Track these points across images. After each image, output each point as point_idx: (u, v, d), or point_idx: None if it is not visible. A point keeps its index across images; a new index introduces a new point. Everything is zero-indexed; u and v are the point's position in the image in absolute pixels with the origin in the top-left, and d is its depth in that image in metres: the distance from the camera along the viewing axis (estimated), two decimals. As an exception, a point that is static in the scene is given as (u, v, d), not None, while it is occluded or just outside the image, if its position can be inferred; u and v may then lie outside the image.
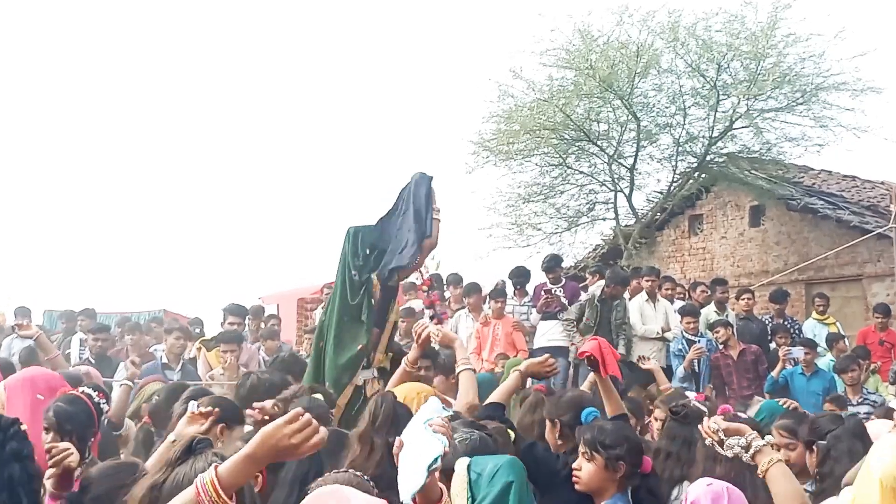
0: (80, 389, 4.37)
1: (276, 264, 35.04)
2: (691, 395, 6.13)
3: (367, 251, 5.76)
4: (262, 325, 11.46)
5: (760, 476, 3.21)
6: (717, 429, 3.34)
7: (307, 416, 2.34)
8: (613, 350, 4.71)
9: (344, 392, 5.45)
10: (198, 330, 11.10)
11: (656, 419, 6.14)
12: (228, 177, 45.13)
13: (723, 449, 3.30)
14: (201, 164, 42.87)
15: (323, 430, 2.37)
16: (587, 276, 11.76)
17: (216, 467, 2.33)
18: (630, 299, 10.67)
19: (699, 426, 3.45)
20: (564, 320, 10.25)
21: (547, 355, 5.13)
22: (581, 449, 3.73)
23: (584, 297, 10.52)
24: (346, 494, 2.29)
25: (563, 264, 12.57)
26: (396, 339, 6.94)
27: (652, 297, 10.72)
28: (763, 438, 3.26)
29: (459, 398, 4.82)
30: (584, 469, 3.67)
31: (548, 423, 4.47)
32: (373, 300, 5.66)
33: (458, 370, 5.05)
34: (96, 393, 4.31)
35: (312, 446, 2.33)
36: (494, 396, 4.59)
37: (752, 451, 3.20)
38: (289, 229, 39.58)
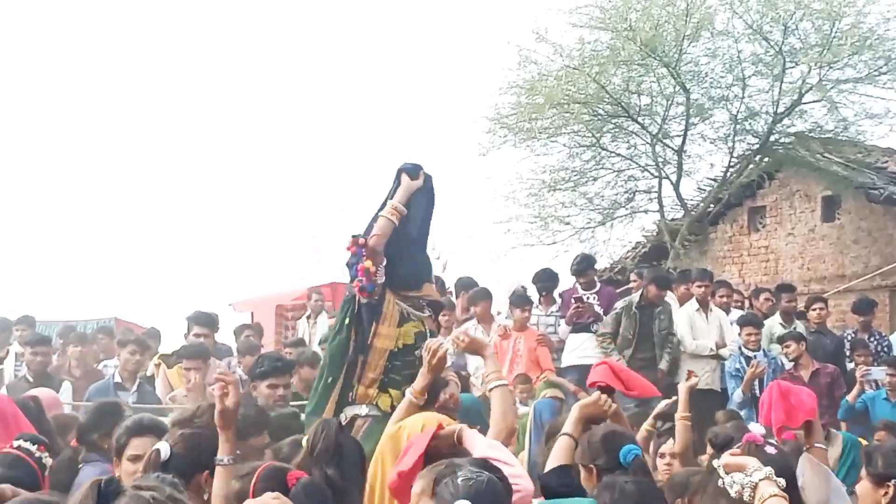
0: (16, 444, 4.30)
1: (249, 265, 35.03)
2: (754, 426, 6.08)
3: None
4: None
5: None
6: (720, 465, 3.42)
7: None
8: (626, 369, 4.65)
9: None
10: (154, 343, 11.09)
11: (661, 455, 6.14)
12: (193, 166, 45.28)
13: (727, 487, 3.36)
14: (161, 152, 42.97)
15: None
16: (630, 278, 11.68)
17: None
18: (677, 308, 10.63)
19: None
20: (599, 334, 10.22)
21: (598, 393, 5.03)
22: None
23: (620, 304, 10.49)
24: None
25: (597, 266, 12.53)
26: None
27: (704, 305, 10.69)
28: (764, 470, 3.32)
29: (494, 422, 4.76)
30: None
31: (581, 469, 4.40)
32: (348, 320, 5.80)
33: (490, 386, 4.96)
34: (36, 446, 4.27)
35: None
36: (557, 458, 4.52)
37: (748, 487, 3.28)
38: (266, 224, 39.59)
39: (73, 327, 13.29)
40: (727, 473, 3.35)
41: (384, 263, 5.90)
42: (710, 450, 5.33)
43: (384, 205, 5.96)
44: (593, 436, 4.53)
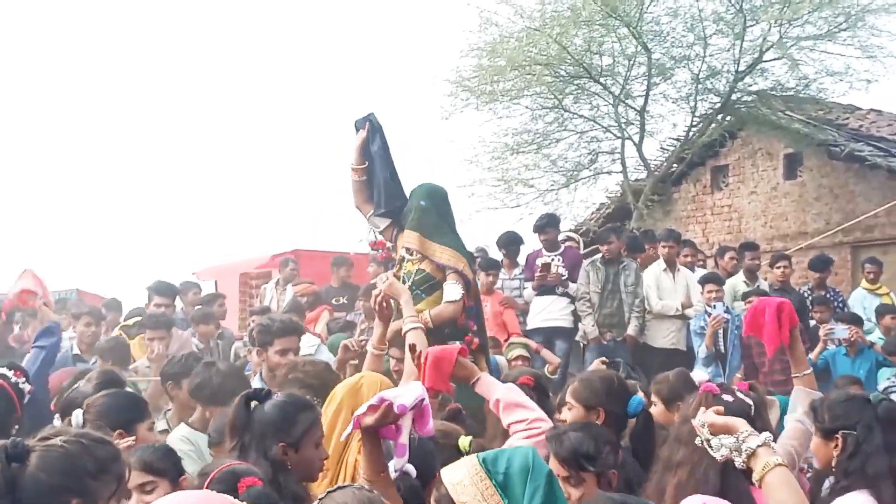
0: None
1: (212, 233, 34.88)
2: (698, 372, 6.04)
3: None
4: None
5: (756, 485, 3.14)
6: (703, 423, 3.28)
7: None
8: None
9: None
10: (114, 314, 10.99)
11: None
12: (156, 135, 44.84)
13: (711, 449, 3.23)
14: (124, 121, 42.55)
15: None
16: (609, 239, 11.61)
17: None
18: (643, 269, 10.66)
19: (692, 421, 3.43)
20: (580, 296, 10.20)
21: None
22: (560, 471, 3.71)
23: (587, 262, 10.50)
24: None
25: (561, 225, 12.51)
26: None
27: (671, 265, 10.71)
28: (761, 436, 3.18)
29: (406, 363, 4.85)
30: (574, 496, 3.69)
31: (581, 409, 4.40)
32: None
33: (405, 329, 5.10)
34: (13, 372, 4.40)
35: None
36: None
37: (744, 454, 3.14)
38: (228, 191, 39.36)
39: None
40: (713, 434, 3.23)
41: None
42: (658, 404, 5.32)
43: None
44: (604, 378, 4.56)
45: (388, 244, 6.64)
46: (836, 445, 3.85)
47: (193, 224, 37.07)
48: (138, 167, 42.29)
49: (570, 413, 4.41)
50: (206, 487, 3.30)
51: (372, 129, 6.44)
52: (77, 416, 4.00)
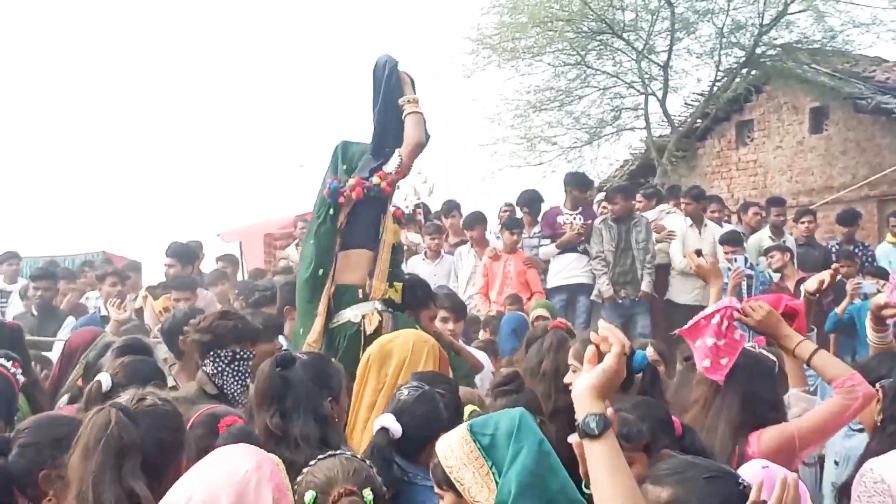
0: None
1: (237, 194, 34.96)
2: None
3: (343, 166, 5.71)
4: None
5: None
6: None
7: None
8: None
9: (313, 328, 5.39)
10: (135, 275, 11.09)
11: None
12: (180, 97, 44.91)
13: None
14: (147, 85, 42.62)
15: None
16: (640, 199, 11.55)
17: None
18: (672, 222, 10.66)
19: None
20: (594, 256, 10.18)
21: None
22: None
23: (597, 221, 10.47)
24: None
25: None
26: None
27: (697, 221, 10.66)
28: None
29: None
30: None
31: (585, 365, 4.33)
32: (333, 210, 5.57)
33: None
34: (11, 363, 4.36)
35: None
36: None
37: None
38: (252, 152, 39.43)
39: (57, 263, 13.28)
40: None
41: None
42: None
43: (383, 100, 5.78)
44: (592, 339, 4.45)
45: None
46: (878, 399, 3.89)
47: (218, 185, 37.14)
48: (164, 130, 42.39)
49: (574, 375, 4.23)
50: (189, 429, 3.34)
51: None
52: (105, 378, 4.03)
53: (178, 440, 2.83)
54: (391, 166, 5.60)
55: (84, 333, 6.55)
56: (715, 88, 17.25)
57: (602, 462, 2.40)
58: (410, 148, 5.60)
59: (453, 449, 2.74)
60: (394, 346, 4.44)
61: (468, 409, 3.86)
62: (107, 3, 44.84)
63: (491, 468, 2.68)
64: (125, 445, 2.64)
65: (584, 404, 2.50)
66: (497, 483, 2.62)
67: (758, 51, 16.64)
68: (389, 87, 5.73)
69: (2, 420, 4.06)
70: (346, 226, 5.59)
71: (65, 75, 43.12)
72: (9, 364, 4.34)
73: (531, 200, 11.11)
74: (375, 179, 5.55)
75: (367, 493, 2.81)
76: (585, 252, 10.41)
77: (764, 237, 11.05)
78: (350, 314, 5.45)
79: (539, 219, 10.95)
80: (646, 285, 10.04)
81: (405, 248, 11.34)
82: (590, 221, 10.48)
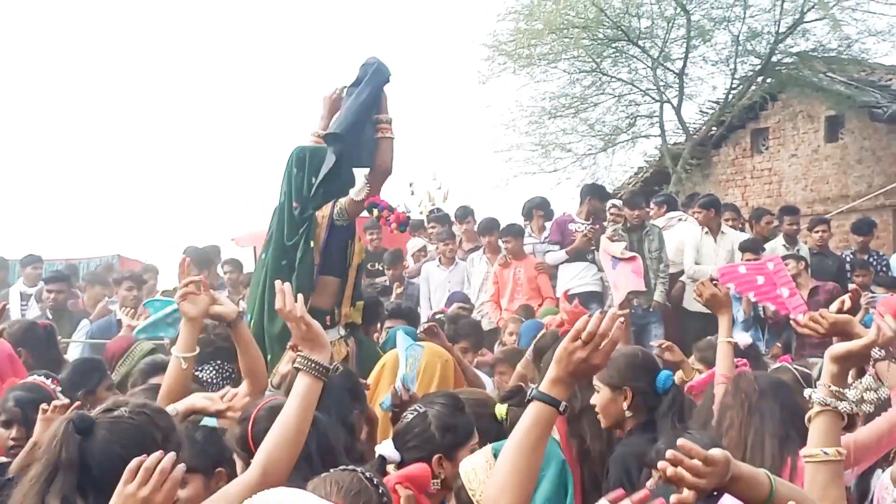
0: (32, 378, 4.55)
1: (248, 203, 35.03)
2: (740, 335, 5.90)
3: (314, 179, 5.65)
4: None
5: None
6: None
7: (147, 466, 2.42)
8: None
9: (284, 358, 5.15)
10: (152, 278, 11.16)
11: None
12: (194, 99, 45.06)
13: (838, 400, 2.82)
14: (163, 87, 42.75)
15: (175, 476, 2.44)
16: (651, 206, 11.56)
17: None
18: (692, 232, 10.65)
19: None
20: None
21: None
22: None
23: (609, 230, 10.45)
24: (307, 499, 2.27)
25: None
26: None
27: (712, 229, 10.59)
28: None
29: None
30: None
31: (607, 390, 4.23)
32: (312, 242, 5.56)
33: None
34: (50, 380, 4.47)
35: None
36: None
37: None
38: (266, 155, 39.51)
39: (75, 266, 13.37)
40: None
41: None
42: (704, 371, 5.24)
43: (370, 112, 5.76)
44: (627, 356, 4.36)
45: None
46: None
47: (232, 190, 37.26)
48: (180, 134, 42.57)
49: (598, 396, 4.22)
50: (252, 423, 3.41)
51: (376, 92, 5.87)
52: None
53: (135, 455, 2.61)
54: (360, 193, 5.54)
55: (120, 342, 6.64)
56: (730, 96, 17.23)
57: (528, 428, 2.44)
58: (380, 176, 5.59)
59: (477, 472, 2.77)
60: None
61: (500, 408, 3.88)
62: (118, 8, 45.05)
63: None
64: (62, 461, 2.58)
65: (546, 380, 2.49)
66: None
67: (774, 59, 16.61)
68: (373, 97, 5.69)
69: None
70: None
71: (83, 81, 43.35)
72: (48, 382, 4.44)
73: (541, 205, 11.12)
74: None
75: None
76: (593, 261, 10.39)
77: (778, 246, 11.02)
78: None
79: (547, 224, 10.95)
80: (658, 295, 10.01)
81: (413, 253, 11.43)
82: (597, 226, 10.45)
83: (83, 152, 40.69)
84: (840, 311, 4.96)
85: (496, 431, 3.65)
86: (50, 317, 9.42)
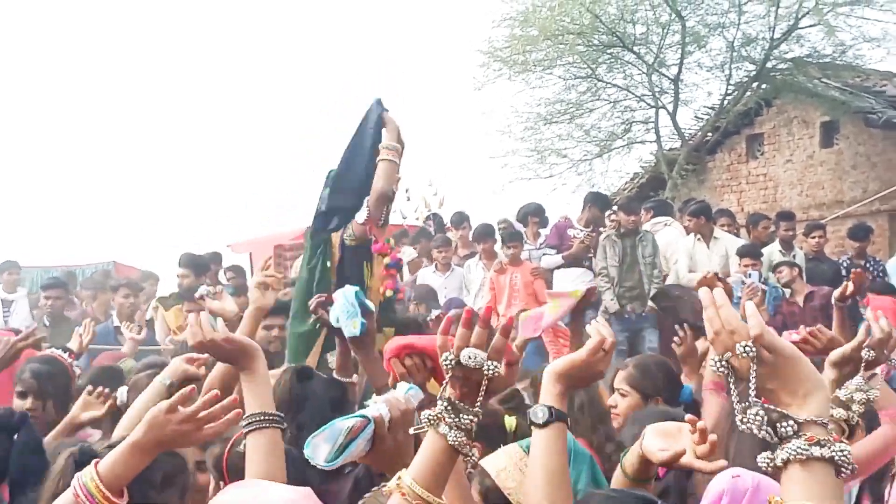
0: (48, 350, 4.73)
1: (247, 205, 35.03)
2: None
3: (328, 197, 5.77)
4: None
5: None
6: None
7: (208, 397, 2.38)
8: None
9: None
10: (151, 285, 11.15)
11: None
12: (188, 108, 45.05)
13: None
14: (156, 95, 42.76)
15: (229, 412, 2.39)
16: (641, 212, 11.59)
17: (96, 464, 2.41)
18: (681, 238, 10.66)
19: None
20: (599, 270, 10.19)
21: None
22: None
23: (602, 237, 10.47)
24: (263, 486, 2.25)
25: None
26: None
27: (705, 235, 10.60)
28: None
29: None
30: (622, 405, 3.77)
31: (637, 396, 4.26)
32: (329, 263, 5.65)
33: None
34: (67, 354, 4.67)
35: (213, 431, 2.37)
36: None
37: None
38: (262, 163, 39.50)
39: (73, 273, 13.36)
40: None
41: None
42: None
43: (363, 142, 5.81)
44: (658, 365, 4.42)
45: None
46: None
47: (228, 196, 37.26)
48: (174, 140, 42.52)
49: (625, 401, 4.25)
50: (229, 447, 3.34)
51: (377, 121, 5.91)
52: (122, 393, 4.12)
53: (139, 497, 2.61)
54: (360, 216, 5.62)
55: (107, 357, 6.68)
56: (725, 102, 17.27)
57: (542, 449, 2.40)
58: (375, 198, 5.60)
59: (510, 471, 2.76)
60: None
61: (510, 420, 3.86)
62: (122, 14, 45.09)
63: None
64: None
65: (543, 391, 2.47)
66: None
67: (768, 65, 16.65)
68: (367, 126, 5.76)
69: (58, 404, 4.27)
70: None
71: (80, 86, 43.35)
72: (65, 355, 4.62)
73: (534, 212, 11.15)
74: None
75: None
76: (589, 267, 10.42)
77: (774, 251, 11.02)
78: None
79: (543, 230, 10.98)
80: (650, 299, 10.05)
81: (407, 261, 11.44)
82: (594, 234, 10.47)
83: (78, 158, 40.69)
84: (843, 295, 5.01)
85: (501, 441, 3.63)
86: (48, 323, 9.43)
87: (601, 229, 10.50)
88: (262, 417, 2.70)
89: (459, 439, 2.05)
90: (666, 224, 11.14)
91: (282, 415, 2.81)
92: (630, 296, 9.99)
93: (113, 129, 42.22)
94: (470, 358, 2.04)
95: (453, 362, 2.06)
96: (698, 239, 10.62)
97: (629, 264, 10.04)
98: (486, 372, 2.06)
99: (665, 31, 16.63)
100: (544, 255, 10.62)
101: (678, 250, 10.52)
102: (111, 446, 2.69)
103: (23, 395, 4.30)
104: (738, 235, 11.73)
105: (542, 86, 17.31)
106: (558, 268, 10.45)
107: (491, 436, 3.59)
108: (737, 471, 2.85)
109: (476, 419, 2.08)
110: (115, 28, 45.40)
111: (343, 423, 2.24)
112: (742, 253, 10.30)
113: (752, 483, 2.67)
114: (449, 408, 2.06)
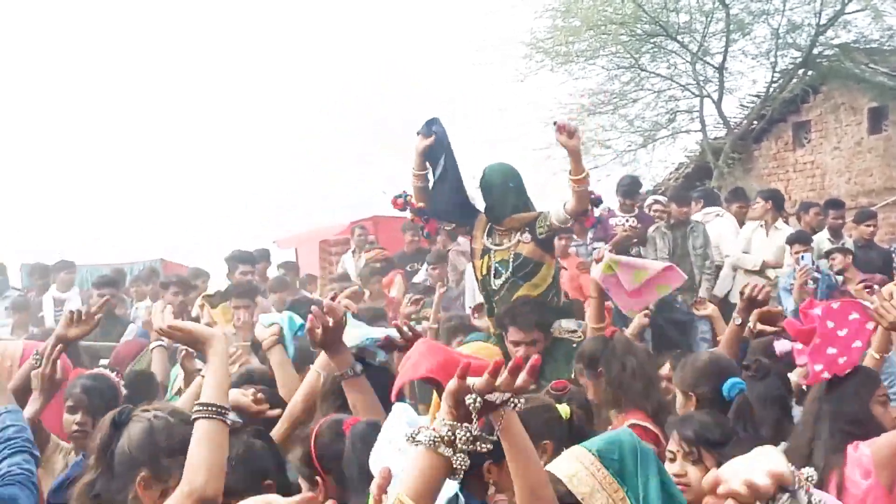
0: (97, 368, 4.88)
1: (292, 201, 35.14)
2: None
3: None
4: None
5: None
6: None
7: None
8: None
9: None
10: (202, 282, 11.20)
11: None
12: (233, 105, 45.24)
13: None
14: (202, 93, 43.04)
15: None
16: (692, 202, 11.49)
17: None
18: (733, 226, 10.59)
19: None
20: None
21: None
22: (680, 449, 3.61)
23: (651, 228, 10.41)
24: None
25: (641, 190, 12.43)
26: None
27: (767, 223, 10.54)
28: None
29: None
30: (693, 475, 3.57)
31: (680, 395, 4.31)
32: None
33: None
34: (115, 373, 4.77)
35: None
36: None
37: None
38: (262, 163, 39.62)
39: (122, 270, 13.48)
40: None
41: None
42: None
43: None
44: (696, 361, 4.44)
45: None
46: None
47: (274, 192, 37.36)
48: (218, 138, 42.75)
49: (683, 400, 4.29)
50: (314, 439, 3.40)
51: (438, 137, 6.43)
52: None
53: (147, 459, 2.87)
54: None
55: (131, 345, 6.71)
56: (771, 90, 17.12)
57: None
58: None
59: (581, 476, 2.75)
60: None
61: (564, 408, 3.84)
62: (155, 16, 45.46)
63: (627, 493, 2.72)
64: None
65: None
66: None
67: (814, 51, 16.49)
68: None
69: None
70: None
71: (122, 87, 43.75)
72: (113, 374, 4.73)
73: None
74: None
75: None
76: (639, 255, 10.36)
77: (822, 239, 10.91)
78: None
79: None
80: (704, 291, 9.95)
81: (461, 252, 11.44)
82: (640, 226, 10.40)
83: (126, 157, 41.05)
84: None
85: (563, 432, 3.63)
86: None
87: (640, 226, 10.41)
88: (209, 408, 2.83)
89: (466, 464, 2.13)
90: (717, 215, 11.05)
91: (227, 407, 2.91)
92: (680, 287, 9.91)
93: (155, 126, 42.49)
94: (497, 398, 2.12)
95: (480, 402, 2.11)
96: (761, 225, 10.56)
97: (680, 256, 9.95)
98: (510, 408, 2.17)
99: (709, 19, 16.55)
100: (594, 249, 10.58)
101: (730, 234, 10.47)
102: (145, 410, 2.95)
103: (73, 410, 4.42)
104: (787, 223, 11.62)
105: (585, 76, 17.34)
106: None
107: (553, 430, 3.58)
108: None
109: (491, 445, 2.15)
110: (124, 31, 45.58)
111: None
112: (792, 240, 10.20)
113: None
114: (469, 437, 2.12)
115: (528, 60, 16.78)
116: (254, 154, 39.75)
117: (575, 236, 10.75)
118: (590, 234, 10.79)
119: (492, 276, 6.35)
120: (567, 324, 6.08)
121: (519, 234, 6.36)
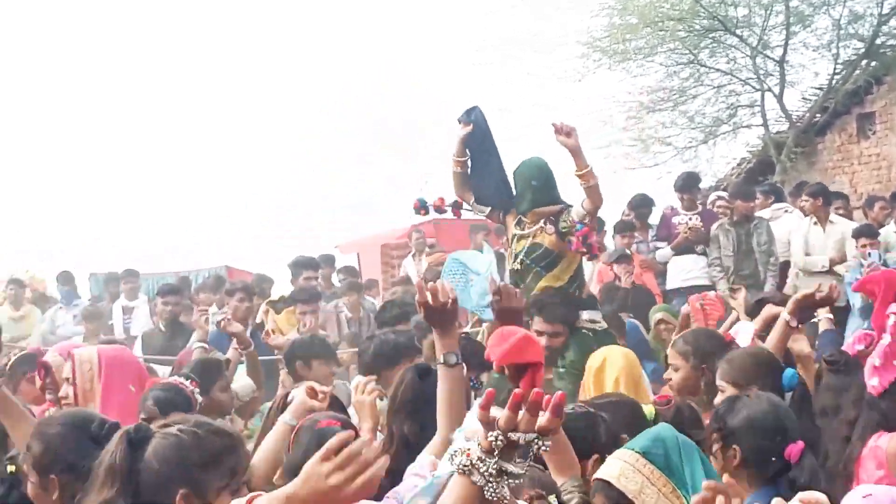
0: (171, 378, 4.95)
1: (292, 201, 35.36)
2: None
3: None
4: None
5: None
6: None
7: (349, 449, 2.09)
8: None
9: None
10: (267, 287, 11.34)
11: None
12: (232, 100, 45.35)
13: None
14: (199, 88, 43.26)
15: (375, 465, 2.10)
16: (757, 197, 11.36)
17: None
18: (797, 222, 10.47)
19: None
20: (710, 261, 10.04)
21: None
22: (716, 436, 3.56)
23: (714, 226, 10.32)
24: None
25: (701, 185, 12.35)
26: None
27: (821, 219, 10.37)
28: None
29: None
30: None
31: (732, 389, 4.16)
32: None
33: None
34: (189, 381, 4.76)
35: (360, 489, 2.09)
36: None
37: None
38: (262, 163, 39.78)
39: (187, 278, 13.69)
40: None
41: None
42: None
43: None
44: (744, 356, 4.40)
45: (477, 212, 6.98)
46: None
47: (274, 192, 37.66)
48: (218, 138, 42.92)
49: (721, 395, 4.20)
50: (292, 440, 3.46)
51: (477, 123, 6.66)
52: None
53: (182, 475, 2.66)
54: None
55: (189, 353, 6.81)
56: (834, 81, 16.88)
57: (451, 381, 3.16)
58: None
59: (628, 475, 2.80)
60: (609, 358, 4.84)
61: (648, 408, 3.95)
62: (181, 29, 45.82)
63: (676, 485, 2.79)
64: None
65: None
66: (686, 499, 2.72)
67: (877, 41, 16.26)
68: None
69: None
70: None
71: (123, 85, 44.12)
72: (188, 383, 4.73)
73: (642, 204, 11.07)
74: None
75: (553, 500, 2.83)
76: (704, 253, 10.30)
77: (890, 233, 10.74)
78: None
79: (652, 221, 10.90)
80: (768, 288, 9.86)
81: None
82: (701, 225, 10.33)
83: (189, 166, 41.52)
84: None
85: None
86: (164, 329, 9.68)
87: (701, 225, 10.33)
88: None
89: (501, 495, 2.09)
90: (786, 211, 10.93)
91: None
92: (746, 284, 9.82)
93: (219, 135, 42.90)
94: (520, 438, 2.09)
95: (503, 442, 2.09)
96: (814, 223, 10.40)
97: (744, 252, 9.87)
98: (535, 450, 2.12)
99: (768, 12, 16.39)
100: (657, 248, 10.54)
101: (794, 234, 10.33)
102: (166, 425, 2.75)
103: (146, 422, 4.39)
104: (851, 219, 11.45)
105: (644, 74, 17.22)
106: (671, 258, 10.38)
107: (634, 429, 3.57)
108: (866, 489, 2.82)
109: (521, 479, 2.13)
110: (124, 30, 45.76)
111: None
112: (858, 233, 10.05)
113: (889, 500, 2.65)
114: (492, 472, 2.08)
115: (585, 60, 16.75)
116: (254, 154, 40.03)
117: (637, 234, 10.72)
118: (651, 233, 10.76)
119: (517, 263, 6.51)
120: (589, 314, 6.21)
121: (543, 223, 6.45)
